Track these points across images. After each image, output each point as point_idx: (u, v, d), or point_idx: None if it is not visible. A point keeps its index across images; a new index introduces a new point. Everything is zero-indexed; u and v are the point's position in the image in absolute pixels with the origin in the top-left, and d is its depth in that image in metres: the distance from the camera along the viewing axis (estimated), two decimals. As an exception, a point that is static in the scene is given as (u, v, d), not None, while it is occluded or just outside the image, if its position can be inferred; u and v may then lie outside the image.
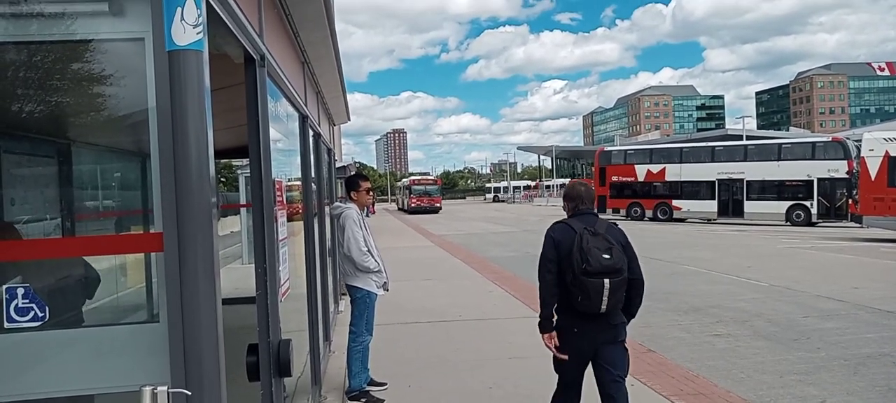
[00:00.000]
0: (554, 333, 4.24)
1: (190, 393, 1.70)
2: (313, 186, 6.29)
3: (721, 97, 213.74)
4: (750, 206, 32.65)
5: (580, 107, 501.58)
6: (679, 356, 7.43)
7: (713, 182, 33.88)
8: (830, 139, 33.44)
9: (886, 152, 21.37)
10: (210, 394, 1.84)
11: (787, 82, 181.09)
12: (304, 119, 5.45)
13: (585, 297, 3.93)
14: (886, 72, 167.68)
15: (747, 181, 32.71)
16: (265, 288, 2.94)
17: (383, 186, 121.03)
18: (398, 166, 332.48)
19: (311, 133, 6.07)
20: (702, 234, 26.67)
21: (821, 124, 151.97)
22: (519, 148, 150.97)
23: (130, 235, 2.98)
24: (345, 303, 7.61)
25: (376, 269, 5.81)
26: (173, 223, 1.82)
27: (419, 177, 64.82)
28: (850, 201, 26.77)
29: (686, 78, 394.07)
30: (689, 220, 35.06)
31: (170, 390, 1.45)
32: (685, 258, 17.35)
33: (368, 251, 5.74)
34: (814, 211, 30.60)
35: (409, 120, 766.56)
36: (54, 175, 3.97)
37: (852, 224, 25.69)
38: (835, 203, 29.97)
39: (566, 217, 4.32)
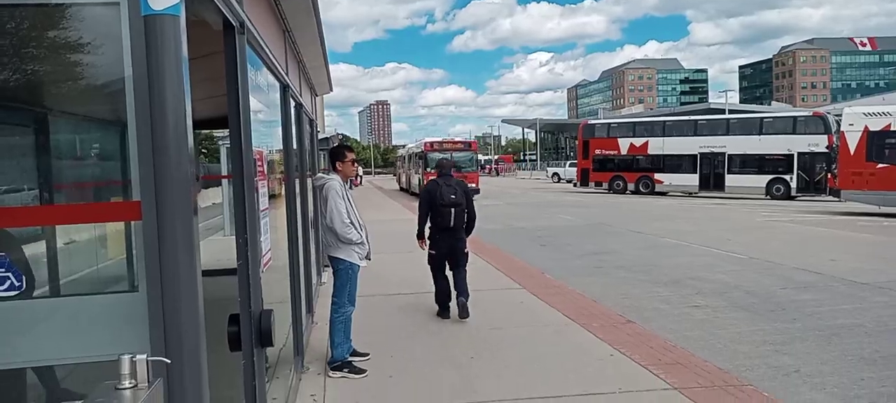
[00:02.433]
0: (424, 240, 7.71)
1: (169, 361, 1.70)
2: (295, 157, 6.26)
3: (705, 71, 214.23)
4: (731, 180, 33.02)
5: (565, 80, 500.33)
6: (658, 327, 7.54)
7: (695, 155, 34.16)
8: (811, 113, 33.85)
9: (866, 127, 21.67)
10: (191, 362, 1.85)
11: (771, 56, 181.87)
12: (285, 89, 5.40)
13: (441, 218, 7.43)
14: (868, 48, 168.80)
15: (729, 155, 33.03)
16: (246, 258, 2.94)
17: (367, 158, 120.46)
18: (382, 138, 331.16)
19: (292, 103, 6.03)
20: (683, 208, 26.91)
21: (802, 99, 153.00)
22: (503, 120, 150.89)
23: (108, 204, 2.96)
24: (327, 275, 7.62)
25: (359, 241, 5.80)
26: (151, 192, 1.81)
27: (441, 140, 37.91)
28: (829, 175, 27.12)
29: (671, 51, 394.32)
30: (670, 194, 35.36)
31: (149, 358, 1.44)
32: (666, 231, 17.51)
33: (351, 222, 5.73)
34: (793, 185, 31.04)
35: (393, 91, 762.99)
36: (31, 145, 3.91)
37: (831, 198, 26.06)
38: (814, 177, 30.42)
39: (436, 177, 7.74)
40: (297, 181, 6.46)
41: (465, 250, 7.73)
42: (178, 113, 1.83)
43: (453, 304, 7.68)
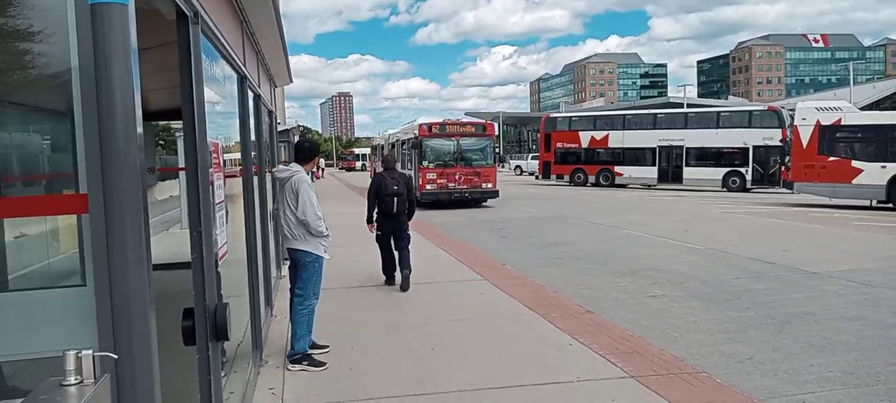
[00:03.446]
0: (373, 224, 9.09)
1: (117, 357, 1.67)
2: (253, 149, 6.19)
3: (664, 65, 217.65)
4: (689, 173, 33.63)
5: (528, 74, 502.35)
6: (616, 316, 7.65)
7: (654, 149, 34.71)
8: (766, 108, 34.70)
9: (818, 121, 22.23)
10: (140, 357, 1.82)
11: (728, 52, 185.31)
12: (242, 80, 5.33)
13: (386, 205, 8.78)
14: (821, 44, 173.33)
15: (687, 148, 33.63)
16: (201, 251, 2.90)
17: (329, 151, 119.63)
18: (344, 130, 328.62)
19: (250, 94, 5.95)
20: (642, 200, 27.34)
21: (758, 93, 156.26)
22: (466, 113, 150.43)
23: (53, 196, 2.89)
24: (286, 269, 7.55)
25: (327, 234, 5.82)
26: (99, 184, 1.77)
27: (443, 120, 25.49)
28: (783, 168, 27.80)
29: (632, 46, 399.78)
30: (630, 186, 35.84)
31: (95, 353, 1.42)
32: (626, 222, 17.78)
33: (321, 215, 5.74)
34: (749, 177, 31.74)
35: (356, 83, 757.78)
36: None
37: (784, 190, 26.75)
38: (768, 170, 31.15)
39: (382, 169, 9.17)
40: (255, 172, 6.38)
41: (407, 232, 9.07)
42: (127, 104, 1.79)
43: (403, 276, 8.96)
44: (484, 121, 27.25)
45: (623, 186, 35.86)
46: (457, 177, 23.25)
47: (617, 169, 36.21)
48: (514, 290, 8.59)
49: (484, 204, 24.18)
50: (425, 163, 23.23)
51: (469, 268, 10.28)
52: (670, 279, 10.04)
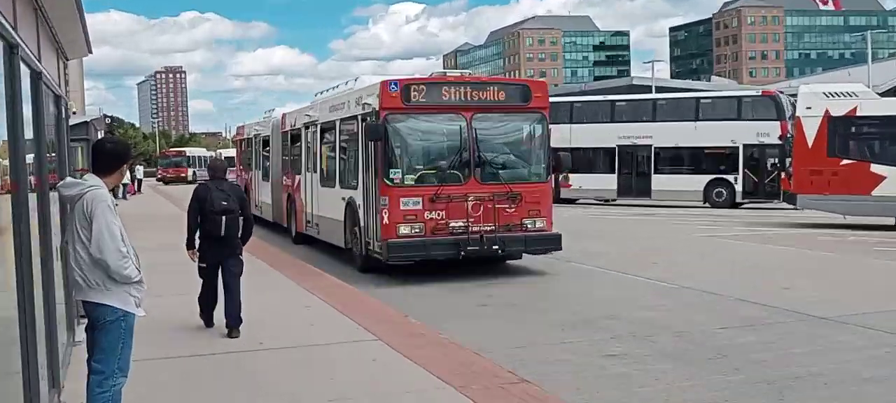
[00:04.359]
0: (195, 251, 9.62)
1: None
2: (28, 154, 5.95)
3: (626, 34, 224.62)
4: (659, 182, 34.54)
5: (441, 43, 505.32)
6: (560, 385, 7.74)
7: (613, 150, 35.49)
8: (760, 93, 35.76)
9: (827, 111, 22.67)
10: None
11: (710, 16, 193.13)
12: (11, 49, 5.12)
13: (212, 225, 9.26)
14: (831, 7, 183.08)
15: (656, 148, 34.58)
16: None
17: (149, 152, 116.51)
18: (174, 123, 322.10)
19: (25, 71, 5.72)
20: (596, 220, 28.04)
21: (751, 73, 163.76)
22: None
23: None
24: (82, 332, 7.28)
25: (137, 279, 5.57)
26: None
27: (433, 75, 16.41)
28: (783, 175, 28.57)
29: (583, 6, 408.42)
30: (581, 201, 36.49)
31: None
32: (575, 252, 18.02)
33: (127, 252, 5.49)
34: (739, 188, 32.77)
35: (192, 53, 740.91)
36: None
37: (785, 205, 27.54)
38: (764, 178, 32.18)
39: (208, 179, 9.92)
40: (33, 189, 6.14)
41: (240, 258, 9.70)
42: None
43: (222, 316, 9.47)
44: (523, 79, 18.40)
45: (571, 201, 36.39)
46: (469, 204, 14.67)
47: (562, 177, 36.74)
48: (419, 353, 8.57)
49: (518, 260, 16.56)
50: (394, 177, 14.65)
51: (356, 323, 10.17)
52: (635, 331, 10.29)
